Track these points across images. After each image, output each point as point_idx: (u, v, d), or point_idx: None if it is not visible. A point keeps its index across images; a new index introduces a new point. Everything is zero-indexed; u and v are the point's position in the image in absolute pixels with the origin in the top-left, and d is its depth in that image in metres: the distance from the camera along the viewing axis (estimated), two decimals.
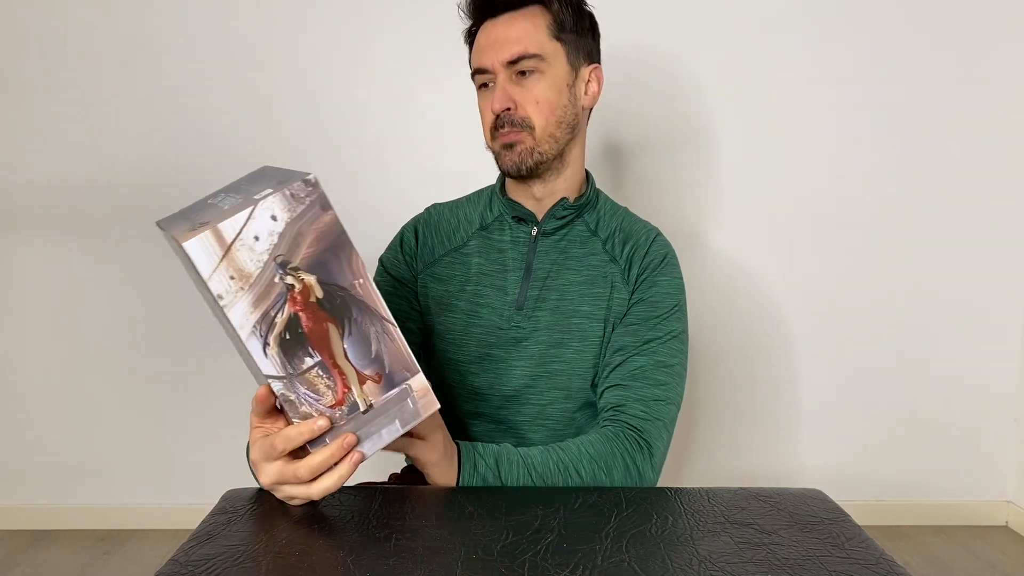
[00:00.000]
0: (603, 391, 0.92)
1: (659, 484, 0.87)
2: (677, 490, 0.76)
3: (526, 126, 0.92)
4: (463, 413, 0.99)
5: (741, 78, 1.87)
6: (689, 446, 2.00)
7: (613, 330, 0.95)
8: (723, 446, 2.00)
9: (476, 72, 0.97)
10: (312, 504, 0.71)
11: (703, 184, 1.91)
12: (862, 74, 1.87)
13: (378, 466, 1.37)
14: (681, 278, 0.99)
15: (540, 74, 0.93)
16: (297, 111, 1.87)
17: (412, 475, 1.03)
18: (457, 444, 0.81)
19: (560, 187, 0.99)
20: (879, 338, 1.97)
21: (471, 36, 1.00)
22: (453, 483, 0.80)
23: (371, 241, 1.52)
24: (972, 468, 2.03)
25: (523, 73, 0.92)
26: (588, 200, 1.01)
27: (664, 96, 1.87)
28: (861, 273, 1.94)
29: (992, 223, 1.93)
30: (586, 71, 0.97)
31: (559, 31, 0.94)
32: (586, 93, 0.98)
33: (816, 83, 1.87)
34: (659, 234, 1.02)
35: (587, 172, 1.03)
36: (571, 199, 1.00)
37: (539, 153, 0.93)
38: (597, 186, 1.05)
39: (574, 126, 0.96)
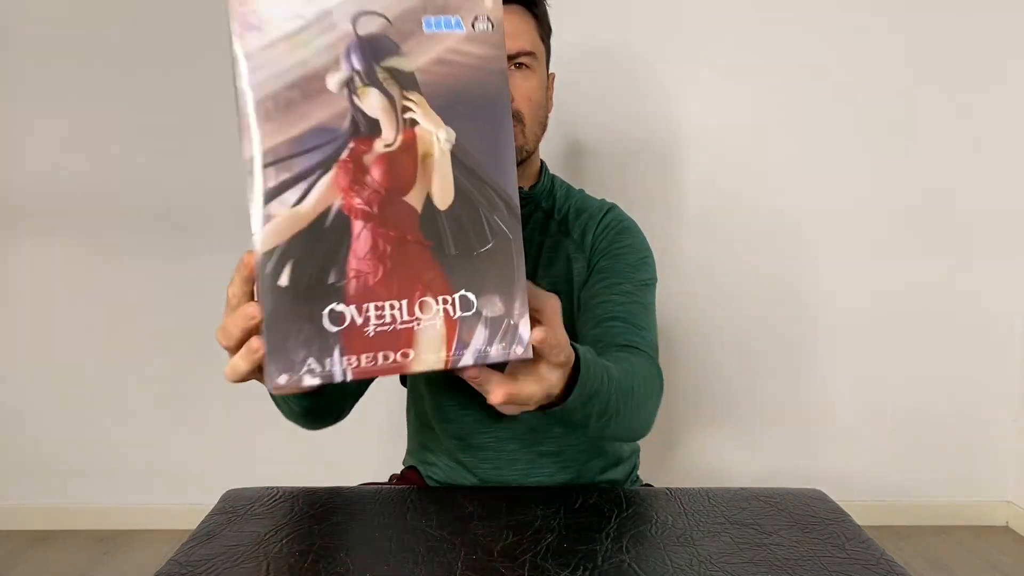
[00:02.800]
0: (601, 322, 0.89)
1: (659, 484, 0.87)
2: (677, 490, 0.76)
3: (518, 120, 0.93)
4: (437, 390, 0.98)
5: (738, 77, 1.87)
6: (689, 446, 2.00)
7: (579, 298, 0.95)
8: (723, 447, 2.00)
9: None
10: (312, 504, 0.70)
11: (706, 184, 1.91)
12: (859, 72, 1.87)
13: (378, 466, 1.37)
14: (643, 239, 0.99)
15: (532, 72, 0.94)
16: None
17: (412, 475, 1.03)
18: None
19: (522, 181, 1.00)
20: (879, 339, 1.97)
21: None
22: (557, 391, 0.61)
23: None
24: (972, 468, 2.03)
25: (517, 67, 0.94)
26: (544, 187, 1.01)
27: (664, 97, 1.87)
28: (862, 274, 1.94)
29: (993, 224, 1.93)
30: (550, 78, 1.01)
31: (543, 34, 0.97)
32: (550, 98, 1.01)
33: (815, 83, 1.87)
34: (614, 207, 1.03)
35: (541, 161, 1.04)
36: (527, 188, 1.00)
37: (526, 150, 0.95)
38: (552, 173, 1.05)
39: (546, 127, 0.99)
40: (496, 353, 0.49)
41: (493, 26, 0.48)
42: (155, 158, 1.89)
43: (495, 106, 0.48)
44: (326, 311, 0.47)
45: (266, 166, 0.46)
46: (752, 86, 1.88)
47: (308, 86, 0.46)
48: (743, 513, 0.70)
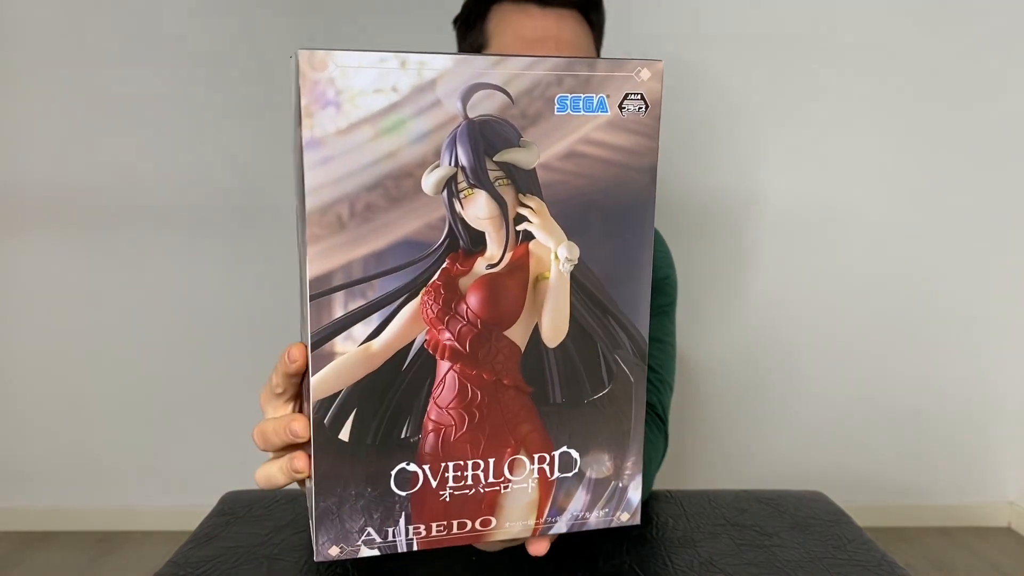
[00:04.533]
0: None
1: (660, 487, 0.87)
2: (677, 492, 0.76)
3: None
4: None
5: (738, 77, 1.87)
6: (690, 448, 2.00)
7: None
8: (724, 448, 2.00)
9: None
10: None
11: (707, 186, 1.91)
12: (865, 72, 1.87)
13: None
14: (667, 253, 0.91)
15: None
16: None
17: None
18: None
19: None
20: (880, 339, 1.96)
21: (488, 4, 0.86)
22: None
23: None
24: (974, 469, 2.02)
25: None
26: None
27: (666, 96, 1.87)
28: (864, 275, 1.94)
29: (994, 224, 1.93)
30: None
31: (598, 46, 0.88)
32: None
33: (818, 83, 1.87)
34: None
35: None
36: None
37: None
38: None
39: None
40: (596, 520, 0.40)
41: (647, 107, 0.37)
42: (155, 158, 1.89)
43: (637, 215, 0.37)
44: (394, 471, 0.38)
45: (332, 291, 0.35)
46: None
47: (396, 187, 0.35)
48: (744, 515, 0.70)
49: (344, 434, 0.37)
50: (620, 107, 0.36)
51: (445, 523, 0.39)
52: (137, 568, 1.81)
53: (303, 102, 0.33)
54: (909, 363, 1.97)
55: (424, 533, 0.39)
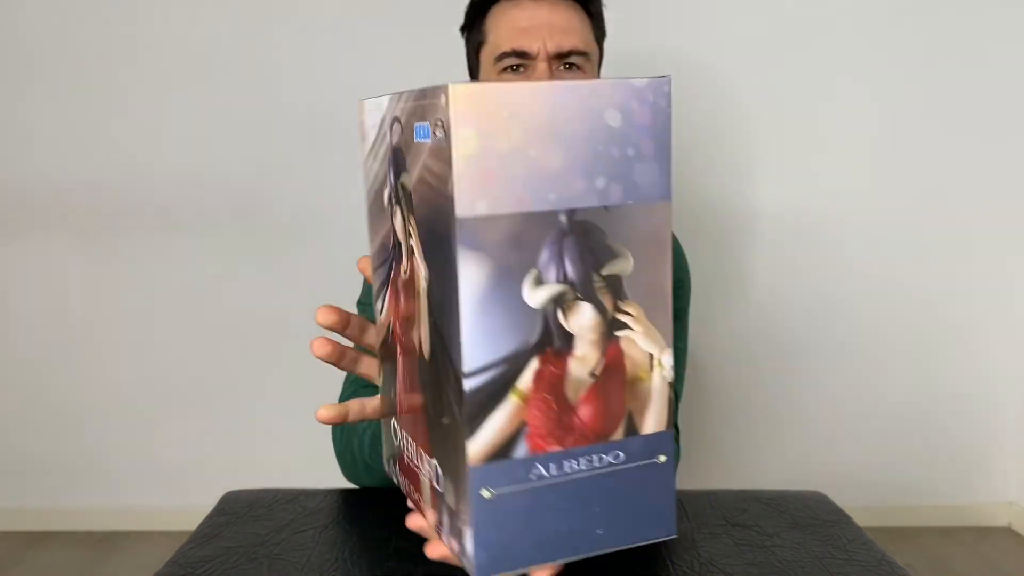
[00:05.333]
0: None
1: None
2: (678, 492, 0.76)
3: None
4: None
5: (741, 78, 1.87)
6: (690, 448, 2.00)
7: None
8: (724, 448, 2.00)
9: (510, 54, 0.85)
10: (311, 506, 0.70)
11: (708, 186, 1.91)
12: (867, 74, 1.87)
13: None
14: (682, 256, 0.91)
15: (584, 74, 0.85)
16: (297, 111, 1.87)
17: None
18: None
19: None
20: (880, 340, 1.96)
21: (485, 7, 0.89)
22: None
23: None
24: (974, 469, 2.02)
25: (568, 68, 0.84)
26: None
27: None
28: (863, 275, 1.94)
29: (994, 224, 1.93)
30: None
31: (598, 36, 0.89)
32: None
33: (818, 83, 1.87)
34: None
35: None
36: None
37: None
38: None
39: None
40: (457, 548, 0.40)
41: (445, 133, 0.35)
42: (155, 158, 1.89)
43: (448, 244, 0.36)
44: None
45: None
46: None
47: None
48: (744, 515, 0.70)
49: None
50: (434, 133, 0.36)
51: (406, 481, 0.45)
52: (137, 568, 1.81)
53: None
54: (909, 363, 1.97)
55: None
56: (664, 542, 0.64)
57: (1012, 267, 1.94)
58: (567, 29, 0.83)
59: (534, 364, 0.36)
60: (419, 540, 0.64)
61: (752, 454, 2.00)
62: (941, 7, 1.84)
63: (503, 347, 0.36)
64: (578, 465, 0.38)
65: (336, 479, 1.03)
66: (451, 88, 0.33)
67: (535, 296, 0.36)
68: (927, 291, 1.95)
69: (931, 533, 1.99)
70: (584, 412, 0.38)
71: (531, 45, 0.84)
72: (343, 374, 1.26)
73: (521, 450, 0.37)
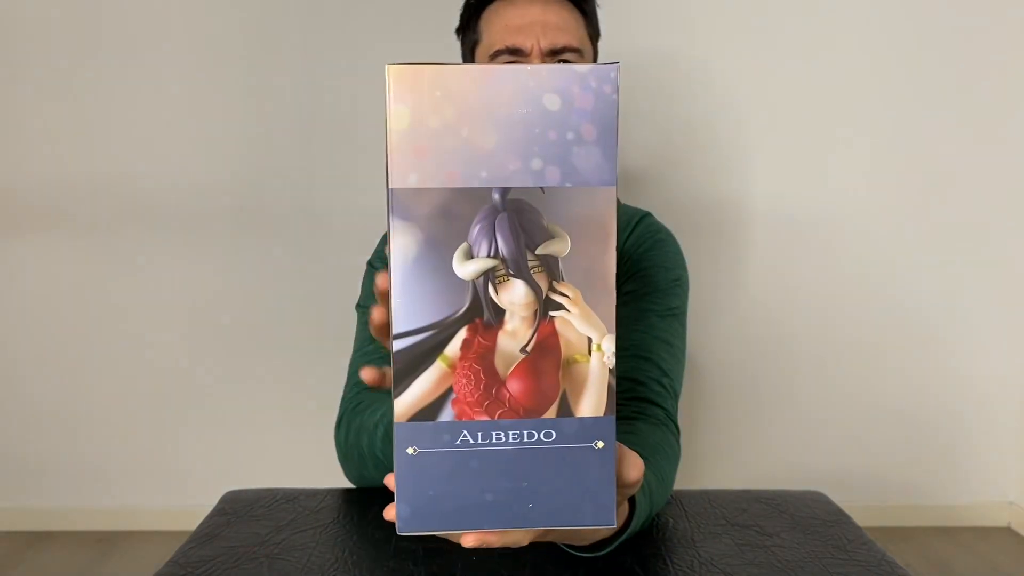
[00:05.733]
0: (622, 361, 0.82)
1: None
2: (678, 492, 0.76)
3: None
4: None
5: (739, 80, 1.87)
6: (690, 448, 2.00)
7: None
8: (724, 448, 2.00)
9: (503, 52, 0.85)
10: (311, 505, 0.70)
11: (706, 186, 1.91)
12: (864, 73, 1.87)
13: None
14: (680, 255, 0.91)
15: None
16: (296, 111, 1.87)
17: None
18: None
19: None
20: (880, 339, 1.96)
21: (480, 7, 0.90)
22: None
23: (372, 247, 1.52)
24: (974, 469, 2.02)
25: None
26: None
27: (665, 97, 1.87)
28: (863, 275, 1.94)
29: (993, 224, 1.93)
30: None
31: (591, 34, 0.90)
32: None
33: (816, 82, 1.87)
34: (647, 216, 0.94)
35: None
36: None
37: None
38: None
39: None
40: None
41: None
42: (155, 158, 1.89)
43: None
44: None
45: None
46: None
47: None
48: (744, 515, 0.70)
49: None
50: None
51: None
52: (137, 568, 1.81)
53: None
54: (909, 363, 1.97)
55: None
56: (664, 542, 0.64)
57: (1012, 266, 1.95)
58: (560, 27, 0.84)
59: (462, 334, 0.38)
60: (419, 539, 0.64)
61: (752, 454, 2.00)
62: (940, 5, 1.84)
63: (431, 314, 0.38)
64: (506, 437, 0.39)
65: (336, 479, 1.02)
66: (389, 68, 0.36)
67: (464, 268, 0.37)
68: (927, 290, 1.95)
69: (931, 533, 1.99)
70: (514, 386, 0.38)
71: (524, 42, 0.85)
72: (343, 376, 1.27)
73: (447, 414, 0.38)
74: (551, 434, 0.39)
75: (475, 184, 0.37)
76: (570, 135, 0.36)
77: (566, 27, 0.85)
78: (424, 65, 0.36)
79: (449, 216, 0.37)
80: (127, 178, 1.90)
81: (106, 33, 1.85)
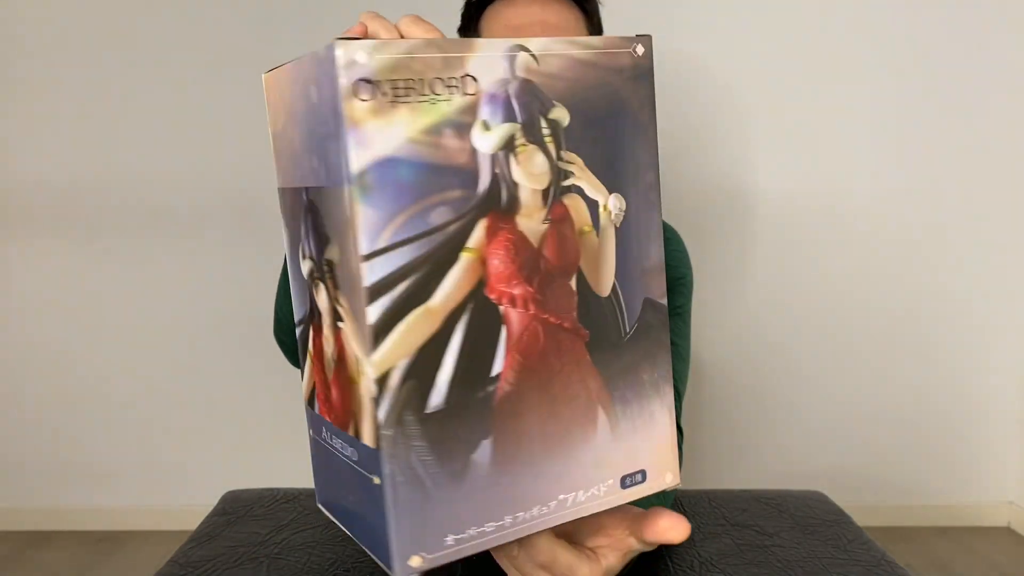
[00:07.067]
0: None
1: None
2: (678, 492, 0.76)
3: None
4: None
5: (742, 76, 1.87)
6: (690, 448, 2.00)
7: None
8: (724, 448, 2.00)
9: None
10: (311, 505, 0.70)
11: (707, 183, 1.91)
12: (867, 68, 1.87)
13: None
14: (684, 253, 0.91)
15: None
16: None
17: None
18: None
19: None
20: (880, 339, 1.96)
21: (481, 7, 0.90)
22: None
23: None
24: (974, 469, 2.02)
25: None
26: None
27: (667, 94, 1.87)
28: (863, 274, 1.94)
29: (995, 222, 1.93)
30: None
31: (592, 33, 0.90)
32: None
33: (818, 79, 1.87)
34: None
35: None
36: None
37: None
38: None
39: None
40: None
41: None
42: (155, 158, 1.89)
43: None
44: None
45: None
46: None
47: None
48: (744, 515, 0.70)
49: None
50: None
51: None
52: (137, 568, 1.81)
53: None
54: (909, 362, 1.97)
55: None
56: (664, 544, 0.64)
57: (1013, 266, 1.95)
58: (561, 26, 0.84)
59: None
60: None
61: (752, 454, 2.00)
62: (944, 4, 1.84)
63: (302, 303, 0.39)
64: (338, 445, 0.38)
65: None
66: (264, 75, 0.37)
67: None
68: (927, 290, 1.95)
69: (931, 533, 1.99)
70: (334, 392, 0.37)
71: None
72: None
73: (316, 405, 0.39)
74: (354, 453, 0.37)
75: (295, 184, 0.37)
76: (323, 128, 0.34)
77: (566, 27, 0.85)
78: (279, 69, 0.36)
79: (293, 217, 0.38)
80: (127, 178, 1.90)
81: (106, 33, 1.85)
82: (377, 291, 0.34)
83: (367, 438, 0.35)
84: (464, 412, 0.36)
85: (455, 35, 1.00)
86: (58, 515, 2.00)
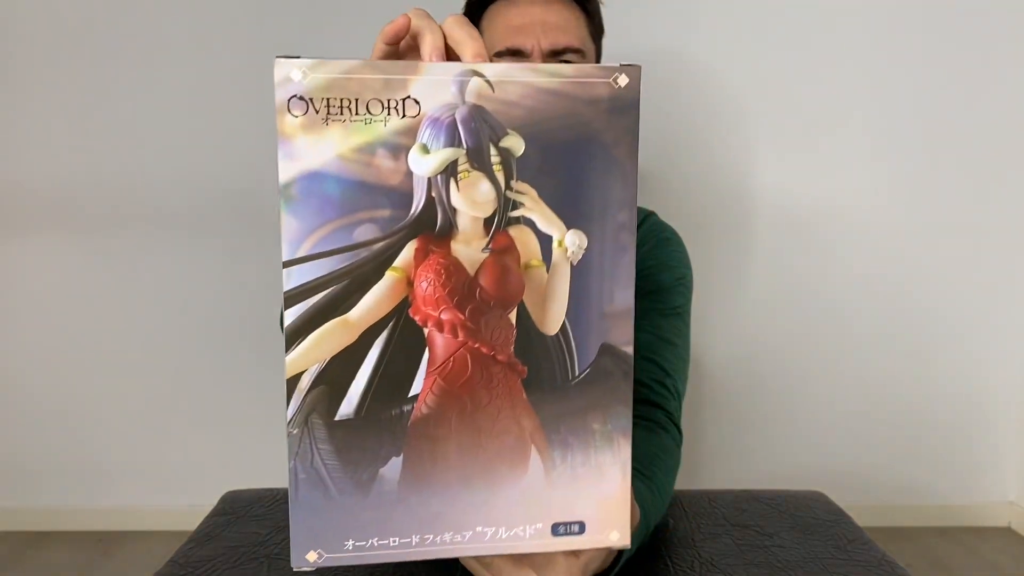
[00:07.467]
0: None
1: None
2: (678, 492, 0.76)
3: None
4: None
5: (742, 76, 1.87)
6: (690, 448, 2.00)
7: None
8: (724, 448, 2.00)
9: (504, 53, 0.85)
10: None
11: (706, 184, 1.91)
12: (867, 71, 1.87)
13: None
14: (684, 253, 0.90)
15: None
16: None
17: None
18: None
19: None
20: (880, 339, 1.96)
21: (482, 6, 0.90)
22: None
23: None
24: (974, 469, 2.02)
25: None
26: None
27: (667, 94, 1.87)
28: (863, 274, 1.94)
29: (995, 223, 1.93)
30: None
31: (594, 33, 0.89)
32: None
33: (818, 81, 1.87)
34: (651, 215, 0.93)
35: None
36: None
37: None
38: None
39: None
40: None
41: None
42: (155, 158, 1.89)
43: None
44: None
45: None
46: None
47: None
48: (744, 515, 0.70)
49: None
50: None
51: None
52: (137, 568, 1.81)
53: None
54: (909, 363, 1.97)
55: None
56: (664, 542, 0.64)
57: (1013, 266, 1.94)
58: (561, 27, 0.83)
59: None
60: None
61: (752, 454, 2.00)
62: (944, 3, 1.84)
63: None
64: None
65: None
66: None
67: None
68: (927, 290, 1.95)
69: (931, 533, 1.99)
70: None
71: (525, 43, 0.84)
72: None
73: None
74: None
75: None
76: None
77: (568, 27, 0.85)
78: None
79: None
80: (128, 178, 1.90)
81: (107, 32, 1.85)
82: (293, 297, 0.35)
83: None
84: (375, 426, 0.36)
85: None
86: (58, 515, 2.00)
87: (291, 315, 0.36)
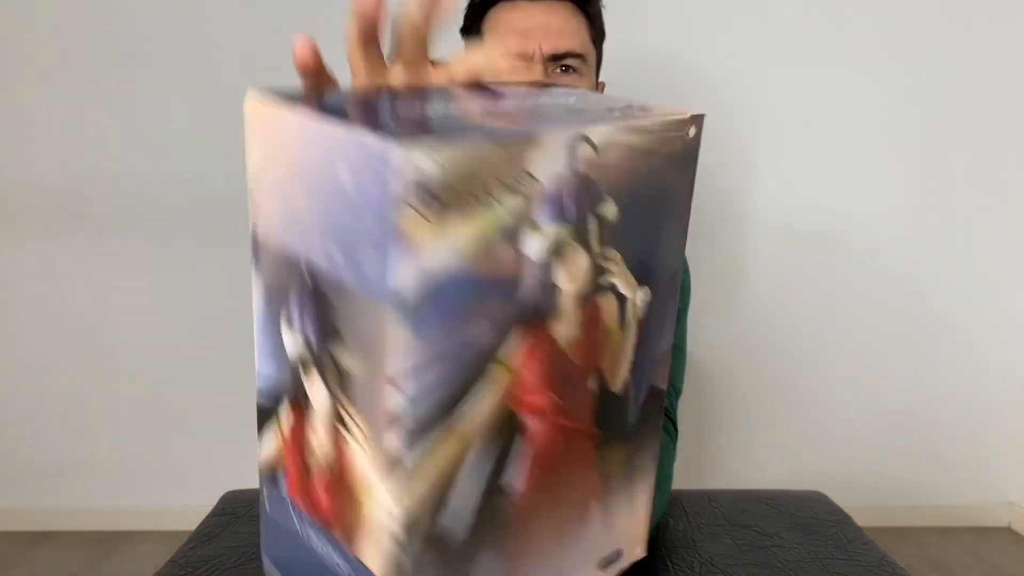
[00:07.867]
0: None
1: None
2: (678, 492, 0.76)
3: None
4: None
5: (740, 79, 1.87)
6: (690, 448, 2.00)
7: None
8: (724, 448, 2.00)
9: None
10: None
11: (706, 184, 1.91)
12: (867, 73, 1.87)
13: None
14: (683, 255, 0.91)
15: (580, 77, 0.85)
16: None
17: None
18: None
19: None
20: (880, 339, 1.96)
21: (483, 9, 0.90)
22: None
23: None
24: (974, 469, 2.02)
25: (564, 71, 0.85)
26: None
27: (666, 97, 1.87)
28: (863, 275, 1.94)
29: (995, 223, 1.93)
30: (599, 87, 0.94)
31: (594, 37, 0.90)
32: None
33: (817, 82, 1.87)
34: None
35: None
36: None
37: None
38: None
39: None
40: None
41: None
42: (157, 159, 1.89)
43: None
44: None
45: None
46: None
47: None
48: (744, 515, 0.70)
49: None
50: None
51: None
52: (137, 568, 1.81)
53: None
54: (909, 363, 1.97)
55: None
56: (664, 542, 0.64)
57: (1013, 266, 1.95)
58: (563, 31, 0.83)
59: (287, 406, 0.33)
60: None
61: (752, 454, 2.00)
62: (945, 7, 1.84)
63: (278, 369, 0.34)
64: (314, 538, 0.33)
65: None
66: (246, 103, 0.30)
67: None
68: (927, 290, 1.95)
69: (931, 533, 1.99)
70: (321, 494, 0.33)
71: (526, 47, 0.84)
72: None
73: (283, 486, 0.35)
74: (345, 567, 0.33)
75: (290, 252, 0.31)
76: (359, 227, 0.28)
77: (569, 31, 0.85)
78: (274, 106, 0.30)
79: (279, 278, 0.32)
80: (129, 178, 1.90)
81: (107, 32, 1.85)
82: (402, 414, 0.29)
83: (373, 565, 0.31)
84: (476, 534, 0.33)
85: (456, 36, 1.00)
86: (58, 515, 2.00)
87: (398, 436, 0.30)
